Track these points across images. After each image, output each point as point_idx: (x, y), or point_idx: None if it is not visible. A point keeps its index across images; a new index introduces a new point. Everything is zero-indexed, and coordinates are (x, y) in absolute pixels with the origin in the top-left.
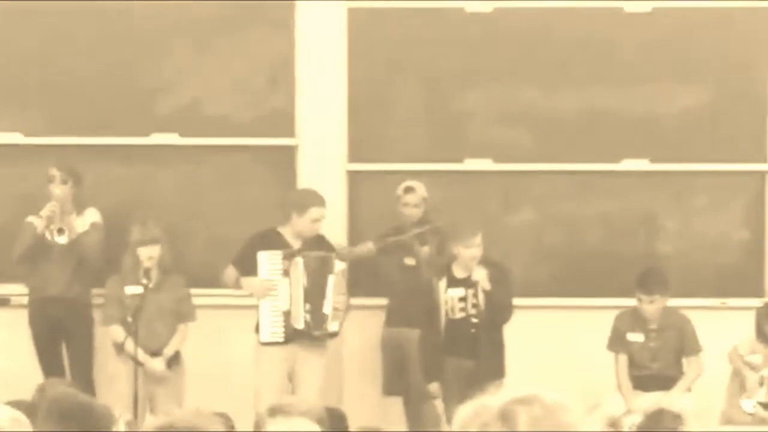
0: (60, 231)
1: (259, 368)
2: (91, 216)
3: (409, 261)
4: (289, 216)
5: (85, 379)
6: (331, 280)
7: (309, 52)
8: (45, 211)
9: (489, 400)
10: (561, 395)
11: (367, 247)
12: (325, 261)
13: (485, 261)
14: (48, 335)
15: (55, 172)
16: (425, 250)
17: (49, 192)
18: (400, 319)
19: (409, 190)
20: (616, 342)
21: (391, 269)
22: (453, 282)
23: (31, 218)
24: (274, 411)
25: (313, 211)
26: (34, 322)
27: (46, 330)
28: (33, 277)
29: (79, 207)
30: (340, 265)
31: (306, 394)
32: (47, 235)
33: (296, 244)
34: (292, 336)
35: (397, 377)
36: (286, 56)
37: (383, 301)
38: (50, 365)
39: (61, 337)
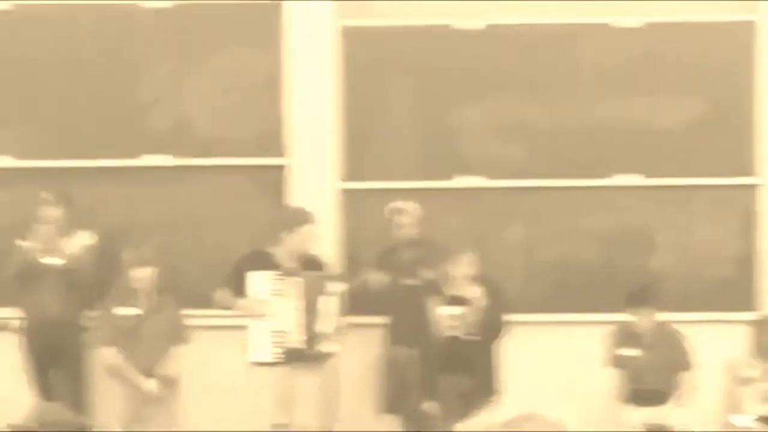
0: (51, 253)
1: (252, 389)
2: (84, 238)
3: (409, 281)
4: (279, 235)
5: (80, 402)
6: (325, 299)
7: (300, 70)
8: (36, 234)
9: (491, 418)
10: (559, 414)
11: (380, 278)
12: (318, 281)
13: (479, 278)
14: (42, 359)
15: (46, 194)
16: (427, 271)
17: (40, 215)
18: (401, 338)
19: (397, 211)
20: (611, 357)
21: (391, 290)
22: (446, 300)
23: (19, 241)
24: None
25: (304, 229)
26: (27, 345)
27: (40, 353)
28: (26, 301)
29: (71, 229)
30: (331, 284)
31: (301, 415)
32: (39, 258)
33: (288, 264)
34: (287, 356)
35: (396, 396)
36: (277, 75)
37: (377, 320)
38: (44, 389)
39: (54, 360)
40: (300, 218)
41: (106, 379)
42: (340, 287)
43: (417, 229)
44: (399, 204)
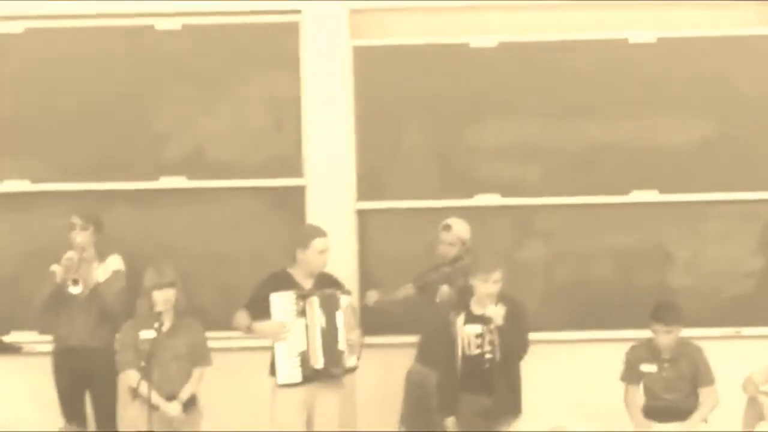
0: (75, 282)
1: (277, 410)
2: (114, 263)
3: (438, 299)
4: (295, 254)
5: (110, 427)
6: (341, 315)
7: (315, 92)
8: (63, 261)
9: None
10: (587, 426)
11: (407, 289)
12: (333, 297)
13: (502, 297)
14: (71, 384)
15: (75, 219)
16: (444, 289)
17: (70, 240)
18: (426, 356)
19: (446, 227)
20: (630, 374)
21: (423, 307)
22: (471, 318)
23: (54, 267)
24: None
25: (316, 243)
26: (57, 370)
27: (70, 378)
28: (56, 326)
29: (101, 254)
30: (346, 300)
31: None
32: (68, 283)
33: (307, 284)
34: (310, 376)
35: (416, 413)
36: (292, 97)
37: (396, 339)
38: (72, 413)
39: (84, 385)
40: (312, 233)
41: (129, 402)
42: (348, 300)
43: (457, 248)
44: (450, 221)
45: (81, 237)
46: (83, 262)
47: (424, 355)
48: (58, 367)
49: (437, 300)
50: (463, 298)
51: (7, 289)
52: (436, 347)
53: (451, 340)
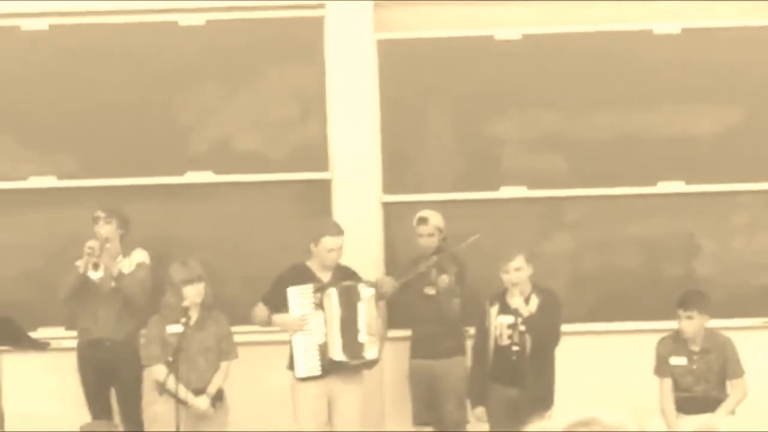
0: (95, 266)
1: (298, 404)
2: (138, 257)
3: (429, 291)
4: (309, 248)
5: (135, 421)
6: (362, 307)
7: (339, 85)
8: (84, 248)
9: (550, 425)
10: (618, 416)
11: (390, 284)
12: (353, 290)
13: (535, 287)
14: (96, 377)
15: (99, 212)
16: (444, 278)
17: (94, 233)
18: (426, 349)
19: (421, 221)
20: (662, 367)
21: (412, 301)
22: (505, 309)
23: (78, 261)
24: None
25: (326, 241)
26: (81, 364)
27: (94, 372)
28: (80, 320)
29: (127, 248)
30: (368, 292)
31: (344, 425)
32: (93, 278)
33: (325, 277)
34: (329, 368)
35: (427, 408)
36: (317, 90)
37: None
38: (98, 407)
39: (109, 379)
40: (324, 230)
41: (155, 397)
42: (371, 292)
43: (436, 238)
44: (424, 213)
45: (104, 229)
46: (105, 252)
47: (423, 349)
48: (82, 360)
49: (432, 292)
50: (460, 284)
51: (34, 284)
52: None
53: (483, 330)
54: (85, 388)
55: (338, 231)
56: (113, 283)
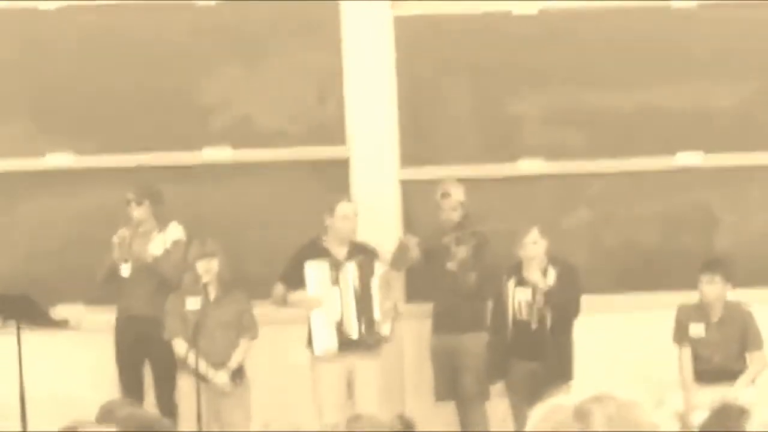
0: (125, 261)
1: (316, 381)
2: (174, 233)
3: (451, 266)
4: (325, 223)
5: (169, 398)
6: (376, 283)
7: (357, 62)
8: (115, 239)
9: (563, 400)
10: (634, 393)
11: (414, 244)
12: (368, 265)
13: (554, 259)
14: (130, 354)
15: (130, 195)
16: (461, 249)
17: (127, 215)
18: (446, 324)
19: (445, 195)
20: (680, 334)
21: (434, 275)
22: (521, 282)
23: (115, 238)
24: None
25: (341, 208)
26: (118, 341)
27: (129, 349)
28: (119, 298)
29: (162, 224)
30: (381, 268)
31: (364, 402)
32: (126, 256)
33: (341, 253)
34: (346, 346)
35: (448, 383)
36: (335, 68)
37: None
38: (130, 384)
39: (143, 355)
40: (336, 199)
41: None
42: (384, 268)
43: (459, 212)
44: (447, 187)
45: (137, 212)
46: (137, 237)
47: (444, 324)
48: (120, 337)
49: (454, 267)
50: (479, 259)
51: (53, 262)
52: (462, 315)
53: (502, 305)
54: (119, 365)
55: (350, 198)
56: (147, 264)
